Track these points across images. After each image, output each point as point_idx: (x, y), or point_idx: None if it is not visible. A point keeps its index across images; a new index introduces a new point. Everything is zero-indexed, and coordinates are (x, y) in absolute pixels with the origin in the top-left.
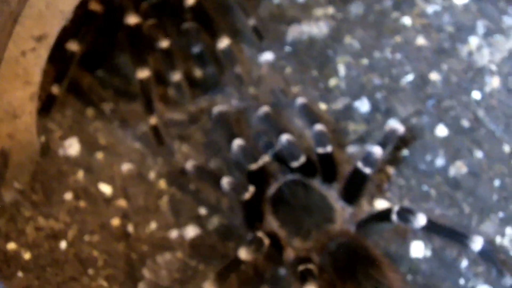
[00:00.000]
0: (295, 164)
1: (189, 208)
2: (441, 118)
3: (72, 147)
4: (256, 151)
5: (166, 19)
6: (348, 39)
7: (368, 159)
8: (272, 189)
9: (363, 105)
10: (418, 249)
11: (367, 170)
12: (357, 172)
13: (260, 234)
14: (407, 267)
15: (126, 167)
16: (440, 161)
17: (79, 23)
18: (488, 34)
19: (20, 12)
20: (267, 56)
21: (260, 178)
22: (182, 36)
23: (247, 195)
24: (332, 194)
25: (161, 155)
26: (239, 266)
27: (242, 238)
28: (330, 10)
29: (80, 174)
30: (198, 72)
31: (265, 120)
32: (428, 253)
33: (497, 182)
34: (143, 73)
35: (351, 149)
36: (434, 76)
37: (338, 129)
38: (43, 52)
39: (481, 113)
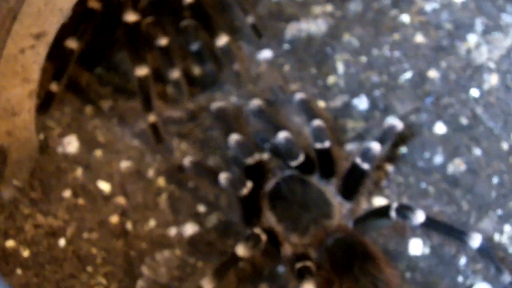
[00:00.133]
0: (294, 163)
1: (187, 206)
2: (439, 116)
3: (71, 144)
4: (253, 146)
5: (165, 16)
6: (346, 37)
7: (366, 155)
8: (270, 185)
9: (361, 103)
10: (416, 247)
11: (365, 166)
12: (355, 168)
13: (257, 230)
14: (406, 265)
15: (124, 164)
16: (438, 159)
17: (77, 21)
18: (486, 31)
19: (19, 9)
20: (266, 54)
21: (258, 173)
22: (180, 34)
23: (245, 191)
24: (330, 189)
25: (160, 153)
26: (237, 263)
27: (241, 235)
28: (329, 7)
29: (79, 172)
30: (196, 70)
31: (258, 115)
32: (427, 250)
33: (495, 179)
34: (142, 71)
35: (350, 146)
36: (433, 73)
37: (337, 126)
38: (42, 49)
39: (479, 110)
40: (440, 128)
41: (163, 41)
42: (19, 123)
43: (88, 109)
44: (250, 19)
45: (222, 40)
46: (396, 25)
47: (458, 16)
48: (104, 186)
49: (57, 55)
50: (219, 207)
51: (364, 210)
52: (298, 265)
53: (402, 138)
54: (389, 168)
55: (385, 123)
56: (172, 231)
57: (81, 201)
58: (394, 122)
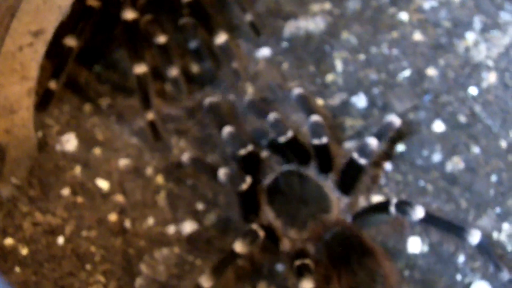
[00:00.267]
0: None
1: (186, 203)
2: (438, 114)
3: (70, 142)
4: (247, 138)
5: (163, 14)
6: (345, 35)
7: (363, 150)
8: (268, 180)
9: (360, 101)
10: (415, 245)
11: (362, 161)
12: (352, 163)
13: (254, 226)
14: (404, 263)
15: (123, 162)
16: (437, 157)
17: (76, 19)
18: (485, 29)
19: (18, 7)
20: (264, 52)
21: (253, 165)
22: (179, 32)
23: (244, 186)
24: (328, 184)
25: (158, 150)
26: (235, 259)
27: (240, 232)
28: (327, 5)
29: (78, 170)
30: (195, 68)
31: (254, 110)
32: (425, 248)
33: (494, 177)
34: (140, 69)
35: (348, 144)
36: (431, 71)
37: (335, 124)
38: (41, 47)
39: (478, 108)
40: (438, 126)
41: (161, 39)
42: (17, 121)
43: (87, 107)
44: (248, 17)
45: (221, 38)
46: (394, 23)
47: (457, 14)
48: (103, 184)
49: (55, 53)
50: (218, 204)
51: (363, 207)
52: (297, 262)
53: (400, 136)
54: (388, 166)
55: (383, 121)
56: (171, 229)
57: (79, 199)
58: (392, 118)
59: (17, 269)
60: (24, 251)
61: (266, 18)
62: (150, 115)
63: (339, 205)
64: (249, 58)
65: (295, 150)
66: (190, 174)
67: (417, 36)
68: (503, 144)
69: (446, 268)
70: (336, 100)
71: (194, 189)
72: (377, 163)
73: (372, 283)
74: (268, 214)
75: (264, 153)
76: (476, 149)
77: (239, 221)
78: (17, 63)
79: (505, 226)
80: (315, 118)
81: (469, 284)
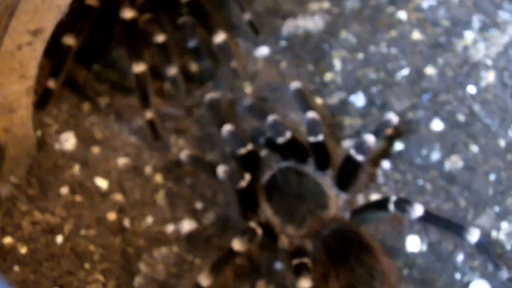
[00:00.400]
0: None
1: (185, 202)
2: (436, 113)
3: (68, 141)
4: (247, 136)
5: (162, 13)
6: (343, 34)
7: (360, 146)
8: (266, 177)
9: (358, 100)
10: (414, 244)
11: (360, 158)
12: (350, 160)
13: (252, 224)
14: (403, 262)
15: (122, 161)
16: (435, 155)
17: (75, 17)
18: (483, 28)
19: (16, 6)
20: (263, 51)
21: (252, 163)
22: (178, 31)
23: (243, 183)
24: (326, 181)
25: (157, 149)
26: (233, 257)
27: (238, 231)
28: (326, 4)
29: (76, 168)
30: (194, 67)
31: (252, 110)
32: (424, 247)
33: (492, 176)
34: (139, 67)
35: (347, 143)
36: (430, 70)
37: (334, 123)
38: (39, 46)
39: (476, 107)
40: (437, 125)
41: (160, 38)
42: (16, 120)
43: (86, 106)
44: (247, 16)
45: (220, 37)
46: (393, 22)
47: (455, 13)
48: (102, 183)
49: (54, 52)
50: (217, 203)
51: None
52: (295, 261)
53: (399, 135)
54: (386, 165)
55: (381, 119)
56: (170, 228)
57: (78, 198)
58: (390, 116)
59: (16, 268)
60: (23, 250)
61: (264, 17)
62: (149, 114)
63: (337, 202)
64: (247, 57)
65: (293, 150)
66: (189, 172)
67: (416, 35)
68: (502, 143)
69: (445, 267)
70: (334, 99)
71: (193, 188)
72: (374, 161)
73: (370, 280)
74: (266, 211)
75: (263, 152)
76: (475, 148)
77: (238, 219)
78: (16, 62)
79: (504, 225)
80: (311, 114)
81: (468, 282)
